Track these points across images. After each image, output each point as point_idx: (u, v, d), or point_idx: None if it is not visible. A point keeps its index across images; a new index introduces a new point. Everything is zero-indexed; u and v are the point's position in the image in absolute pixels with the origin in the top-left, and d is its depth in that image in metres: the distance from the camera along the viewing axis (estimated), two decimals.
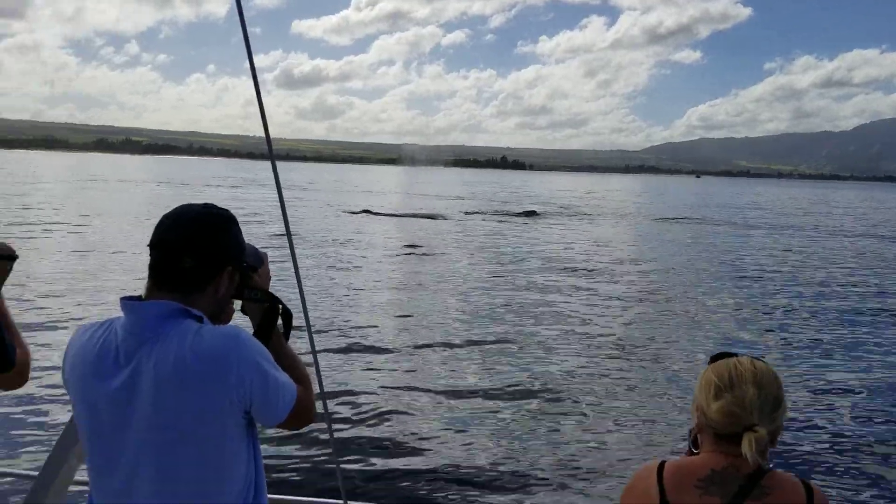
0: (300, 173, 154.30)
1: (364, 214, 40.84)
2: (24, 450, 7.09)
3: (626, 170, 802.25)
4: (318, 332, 11.86)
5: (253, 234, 27.79)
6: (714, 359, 1.85)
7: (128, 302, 1.72)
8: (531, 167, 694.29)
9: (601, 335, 13.02)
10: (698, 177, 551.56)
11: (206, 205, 1.82)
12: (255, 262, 1.92)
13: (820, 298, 17.69)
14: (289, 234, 2.16)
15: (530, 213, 45.95)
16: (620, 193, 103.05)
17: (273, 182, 2.15)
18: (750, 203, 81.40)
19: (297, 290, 2.18)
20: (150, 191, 59.25)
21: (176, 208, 1.80)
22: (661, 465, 1.74)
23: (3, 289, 2.31)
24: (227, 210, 1.84)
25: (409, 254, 24.62)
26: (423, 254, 24.79)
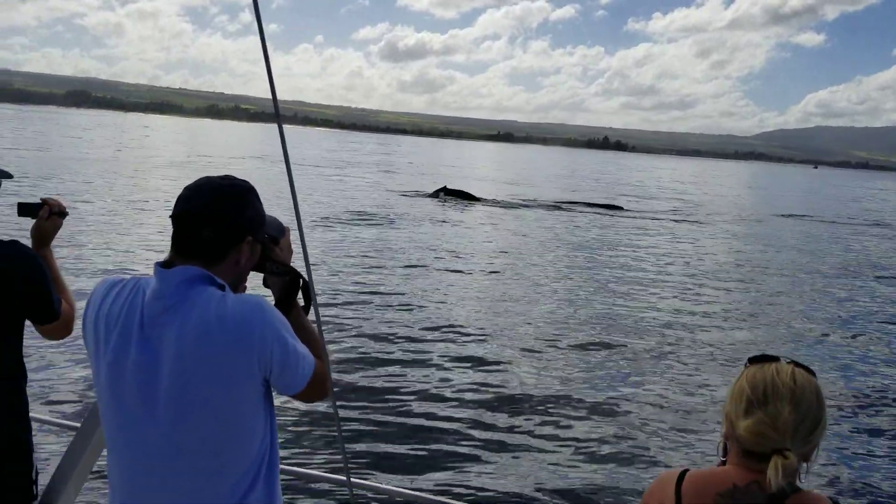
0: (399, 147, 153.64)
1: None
2: (66, 400, 7.28)
3: (735, 156, 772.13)
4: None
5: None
6: (752, 361, 1.66)
7: (157, 268, 1.74)
8: (633, 149, 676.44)
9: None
10: (815, 167, 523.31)
11: (225, 176, 1.84)
12: (276, 234, 1.93)
13: None
14: (296, 205, 2.04)
15: (613, 207, 36.54)
16: (738, 187, 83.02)
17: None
18: None
19: (305, 265, 2.09)
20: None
21: (197, 180, 1.81)
22: (683, 474, 1.64)
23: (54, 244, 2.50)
24: (246, 181, 1.85)
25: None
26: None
